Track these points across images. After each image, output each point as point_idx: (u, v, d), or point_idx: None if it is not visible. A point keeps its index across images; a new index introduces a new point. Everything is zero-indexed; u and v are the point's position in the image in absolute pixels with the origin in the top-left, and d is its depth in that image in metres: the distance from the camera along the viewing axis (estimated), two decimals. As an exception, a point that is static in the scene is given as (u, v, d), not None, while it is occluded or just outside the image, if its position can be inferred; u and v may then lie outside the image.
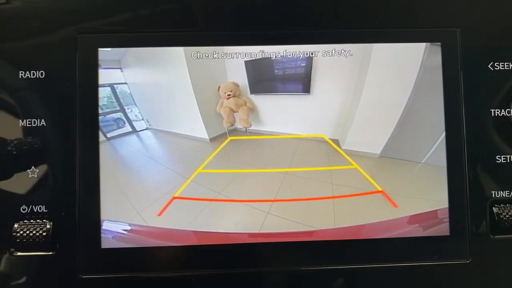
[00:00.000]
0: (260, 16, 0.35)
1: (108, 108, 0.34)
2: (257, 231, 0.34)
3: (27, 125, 0.34)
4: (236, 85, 0.36)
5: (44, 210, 0.33)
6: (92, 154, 0.34)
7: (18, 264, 0.33)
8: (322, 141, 0.35)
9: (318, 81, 0.35)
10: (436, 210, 0.35)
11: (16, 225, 0.33)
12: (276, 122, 0.35)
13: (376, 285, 0.35)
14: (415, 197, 0.35)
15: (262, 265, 0.35)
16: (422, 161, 0.35)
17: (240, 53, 0.35)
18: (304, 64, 0.35)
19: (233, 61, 0.35)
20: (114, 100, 0.34)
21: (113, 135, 0.34)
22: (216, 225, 0.34)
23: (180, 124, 0.35)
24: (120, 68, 0.34)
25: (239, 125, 0.36)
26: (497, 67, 0.36)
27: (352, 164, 0.35)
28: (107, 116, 0.34)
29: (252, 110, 0.36)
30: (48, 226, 0.33)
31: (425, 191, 0.35)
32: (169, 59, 0.35)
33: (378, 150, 0.35)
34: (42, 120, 0.34)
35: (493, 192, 0.35)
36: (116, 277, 0.34)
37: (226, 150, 0.35)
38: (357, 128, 0.35)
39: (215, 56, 0.35)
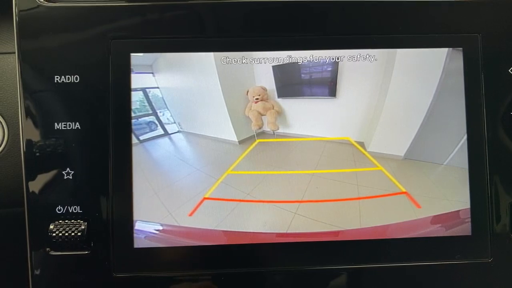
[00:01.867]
0: (288, 22, 0.36)
1: (141, 112, 0.35)
2: (285, 231, 0.35)
3: (62, 128, 0.35)
4: (264, 89, 0.36)
5: (79, 211, 0.34)
6: (125, 156, 0.35)
7: (54, 263, 0.34)
8: (347, 143, 0.36)
9: (343, 85, 0.36)
10: (458, 211, 0.36)
11: (51, 226, 0.34)
12: (303, 125, 0.36)
13: (400, 283, 0.36)
14: (437, 198, 0.36)
15: (290, 264, 0.35)
16: (445, 163, 0.36)
17: (268, 58, 0.36)
18: (330, 69, 0.36)
19: (261, 66, 0.36)
20: (147, 104, 0.35)
21: (145, 137, 0.35)
22: (245, 225, 0.35)
23: (210, 127, 0.36)
24: (152, 73, 0.35)
25: (267, 128, 0.36)
26: (517, 72, 0.37)
27: (377, 166, 0.36)
28: (140, 119, 0.35)
29: (280, 113, 0.37)
30: (83, 227, 0.34)
31: (448, 192, 0.36)
32: (200, 64, 0.36)
33: (402, 152, 0.36)
34: (77, 123, 0.35)
35: (513, 193, 0.36)
36: (148, 276, 0.35)
37: (254, 152, 0.36)
38: (382, 131, 0.36)
39: (244, 61, 0.36)
